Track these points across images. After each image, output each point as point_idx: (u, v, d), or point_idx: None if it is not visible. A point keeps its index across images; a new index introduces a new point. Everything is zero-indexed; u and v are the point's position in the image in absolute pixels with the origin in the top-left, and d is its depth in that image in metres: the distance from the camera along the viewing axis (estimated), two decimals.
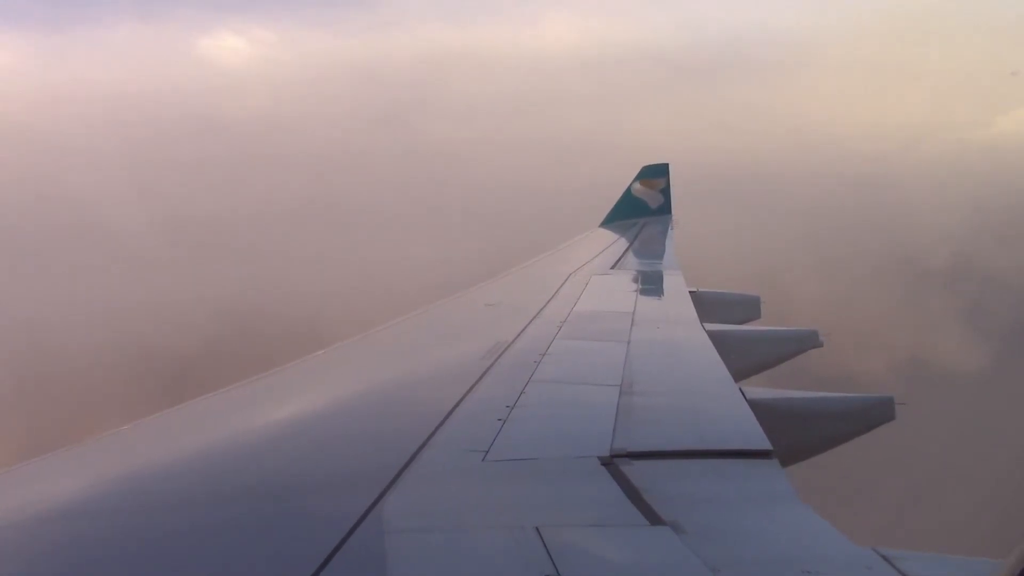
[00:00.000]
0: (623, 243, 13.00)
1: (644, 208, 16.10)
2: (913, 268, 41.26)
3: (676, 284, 9.12)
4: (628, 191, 16.37)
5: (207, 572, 2.64)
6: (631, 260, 11.35)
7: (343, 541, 2.66)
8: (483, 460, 3.46)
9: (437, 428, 3.82)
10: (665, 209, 16.12)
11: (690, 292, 8.43)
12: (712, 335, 6.08)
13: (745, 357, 6.18)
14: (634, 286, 9.10)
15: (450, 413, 4.05)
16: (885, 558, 2.57)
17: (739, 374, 5.33)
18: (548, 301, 7.51)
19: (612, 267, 10.52)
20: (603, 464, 3.41)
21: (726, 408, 4.31)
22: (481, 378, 4.71)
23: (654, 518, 2.89)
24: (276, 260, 45.67)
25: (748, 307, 9.22)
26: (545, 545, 2.63)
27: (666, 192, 16.33)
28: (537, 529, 2.74)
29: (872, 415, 4.99)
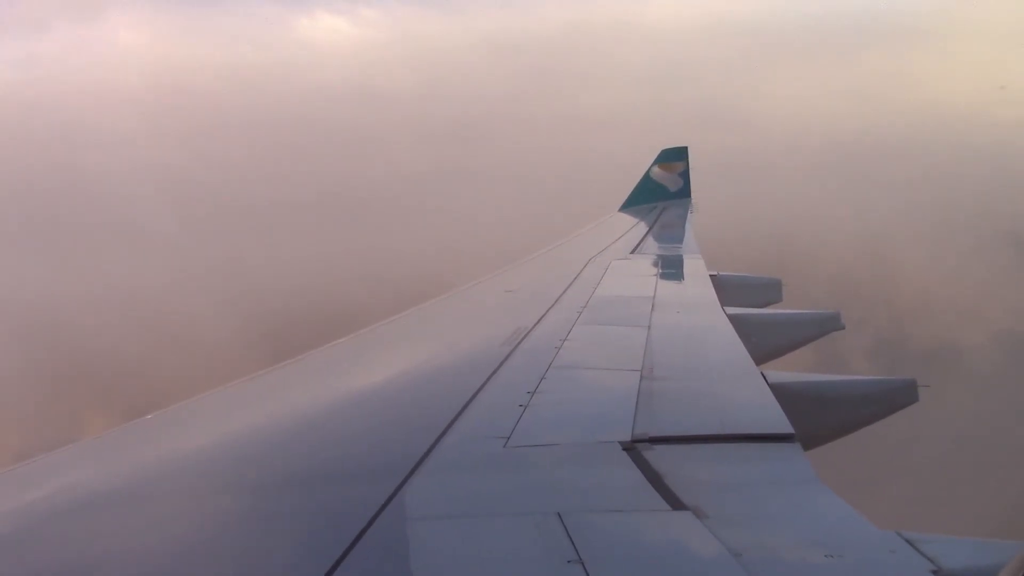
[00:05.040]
0: (643, 227, 12.95)
1: (664, 192, 16.03)
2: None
3: (696, 268, 9.08)
4: (647, 175, 16.29)
5: (233, 557, 2.68)
6: (651, 244, 11.31)
7: (366, 528, 2.69)
8: (505, 446, 3.48)
9: (459, 415, 3.84)
10: (685, 193, 16.06)
11: (711, 276, 8.41)
12: (733, 319, 6.06)
13: (766, 340, 6.16)
14: (654, 270, 9.08)
15: (471, 399, 4.07)
16: (908, 541, 2.56)
17: (760, 358, 5.31)
18: (568, 286, 7.51)
19: (632, 251, 10.48)
20: (624, 449, 3.41)
21: (747, 392, 4.29)
22: (502, 364, 4.73)
23: (676, 503, 2.89)
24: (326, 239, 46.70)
25: (769, 290, 9.17)
26: (567, 531, 2.65)
27: (685, 175, 16.26)
28: (559, 515, 2.76)
29: (895, 398, 4.96)
